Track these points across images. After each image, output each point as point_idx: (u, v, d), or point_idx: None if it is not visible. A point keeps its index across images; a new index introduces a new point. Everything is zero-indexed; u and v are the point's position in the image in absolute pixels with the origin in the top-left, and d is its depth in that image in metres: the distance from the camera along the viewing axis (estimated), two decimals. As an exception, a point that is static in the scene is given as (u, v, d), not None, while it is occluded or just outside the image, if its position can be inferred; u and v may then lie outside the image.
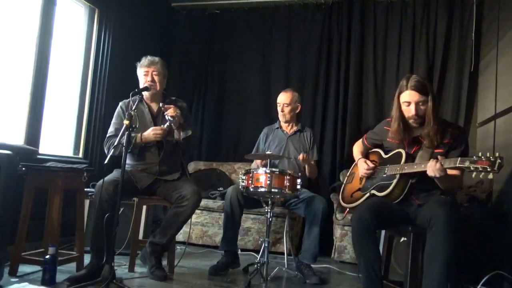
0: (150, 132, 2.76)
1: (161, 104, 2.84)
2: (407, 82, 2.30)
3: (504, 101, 3.35)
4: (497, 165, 1.91)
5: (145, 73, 2.89)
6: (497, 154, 1.93)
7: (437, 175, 2.10)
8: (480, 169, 1.95)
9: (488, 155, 1.94)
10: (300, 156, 3.14)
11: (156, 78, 2.88)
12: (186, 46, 5.03)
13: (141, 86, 2.86)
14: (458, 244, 2.04)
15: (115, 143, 2.55)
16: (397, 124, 2.37)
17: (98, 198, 2.54)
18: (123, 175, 2.38)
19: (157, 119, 2.92)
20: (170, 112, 2.73)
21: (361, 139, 2.81)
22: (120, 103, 2.97)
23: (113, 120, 2.93)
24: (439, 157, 2.13)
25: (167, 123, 2.75)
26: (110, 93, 3.91)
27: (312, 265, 2.99)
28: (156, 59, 2.93)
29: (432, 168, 2.10)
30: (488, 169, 1.92)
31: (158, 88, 2.89)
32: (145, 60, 2.92)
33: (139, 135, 2.76)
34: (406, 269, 2.27)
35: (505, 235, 2.87)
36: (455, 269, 2.07)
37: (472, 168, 1.97)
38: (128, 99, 2.82)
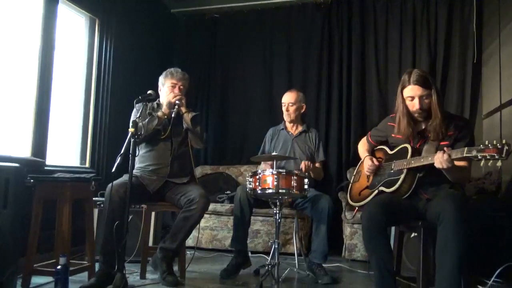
0: (170, 99, 2.86)
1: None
2: (409, 76, 2.28)
3: (508, 91, 3.33)
4: (505, 151, 1.88)
5: (173, 84, 2.96)
6: (504, 141, 1.90)
7: (445, 167, 2.07)
8: (488, 157, 1.91)
9: (495, 142, 1.91)
10: (302, 165, 3.08)
11: (182, 92, 2.98)
12: (187, 52, 5.05)
13: (165, 96, 2.92)
14: (468, 237, 2.02)
15: (121, 152, 2.51)
16: (403, 119, 2.35)
17: (109, 201, 2.55)
18: (131, 179, 2.39)
19: (173, 123, 2.90)
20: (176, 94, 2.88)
21: (365, 137, 2.80)
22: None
23: (132, 118, 2.85)
24: (445, 148, 2.11)
25: (176, 107, 2.85)
26: (114, 101, 3.93)
27: (323, 265, 2.98)
28: (186, 74, 3.05)
29: (439, 160, 2.07)
30: (496, 156, 1.89)
31: (183, 101, 2.94)
32: (176, 73, 2.99)
33: (160, 112, 2.85)
34: (418, 265, 2.26)
35: (516, 226, 2.84)
36: (468, 262, 2.05)
37: (480, 157, 1.94)
38: (151, 103, 2.92)
